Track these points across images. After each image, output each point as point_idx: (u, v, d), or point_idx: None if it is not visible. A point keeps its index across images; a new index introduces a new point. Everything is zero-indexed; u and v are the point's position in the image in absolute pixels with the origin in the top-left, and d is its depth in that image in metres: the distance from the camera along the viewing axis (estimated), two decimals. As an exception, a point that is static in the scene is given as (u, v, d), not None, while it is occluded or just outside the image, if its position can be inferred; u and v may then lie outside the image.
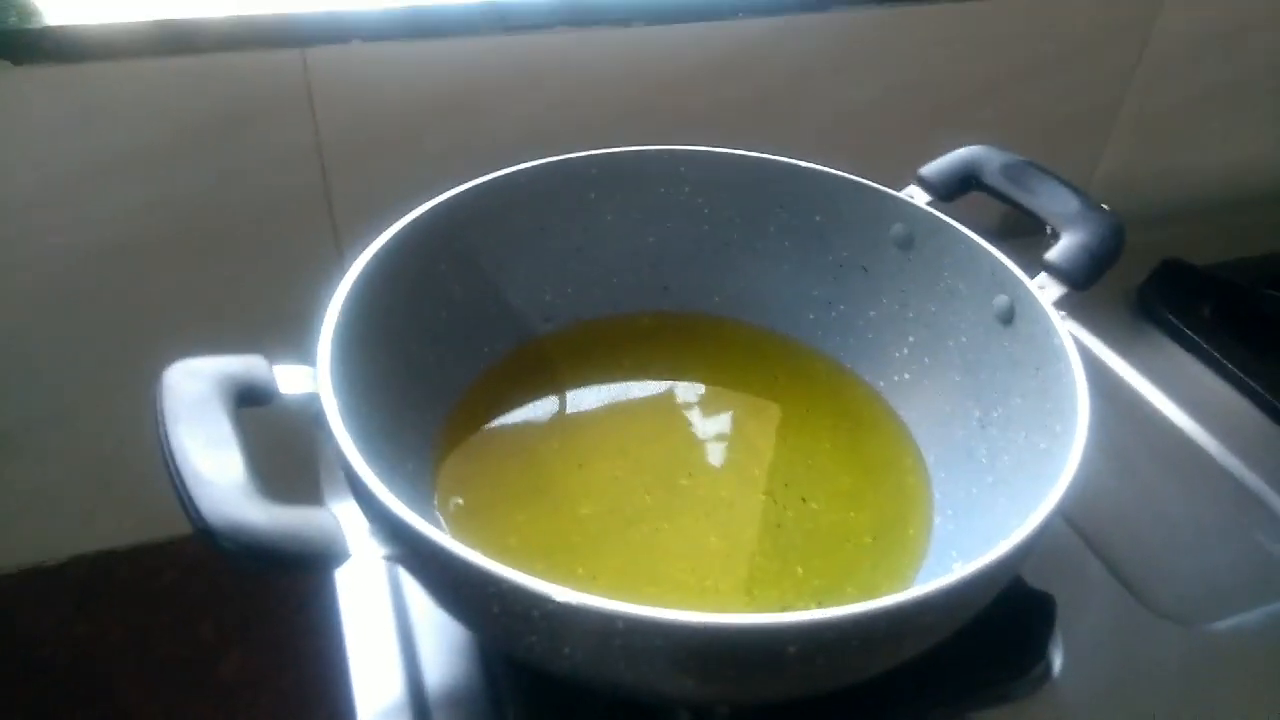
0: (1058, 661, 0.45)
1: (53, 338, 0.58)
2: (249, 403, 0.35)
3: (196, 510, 0.29)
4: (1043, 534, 0.34)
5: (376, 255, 0.43)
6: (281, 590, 0.69)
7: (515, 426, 0.49)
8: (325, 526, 0.30)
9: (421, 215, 0.46)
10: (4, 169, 0.51)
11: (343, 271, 0.42)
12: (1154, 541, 0.51)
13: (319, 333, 0.39)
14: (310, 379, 0.38)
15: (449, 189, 0.47)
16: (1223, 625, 0.47)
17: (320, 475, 0.51)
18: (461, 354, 0.50)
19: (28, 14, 0.49)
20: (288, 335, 0.59)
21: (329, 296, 0.40)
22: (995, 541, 0.32)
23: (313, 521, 0.30)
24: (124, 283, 0.57)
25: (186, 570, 0.69)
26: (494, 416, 0.49)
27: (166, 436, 0.31)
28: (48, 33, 0.49)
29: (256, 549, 0.29)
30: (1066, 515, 0.52)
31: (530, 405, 0.50)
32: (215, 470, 0.30)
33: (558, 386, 0.51)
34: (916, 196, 0.50)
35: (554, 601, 0.28)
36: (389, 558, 0.32)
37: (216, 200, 0.56)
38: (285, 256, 0.59)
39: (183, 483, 0.30)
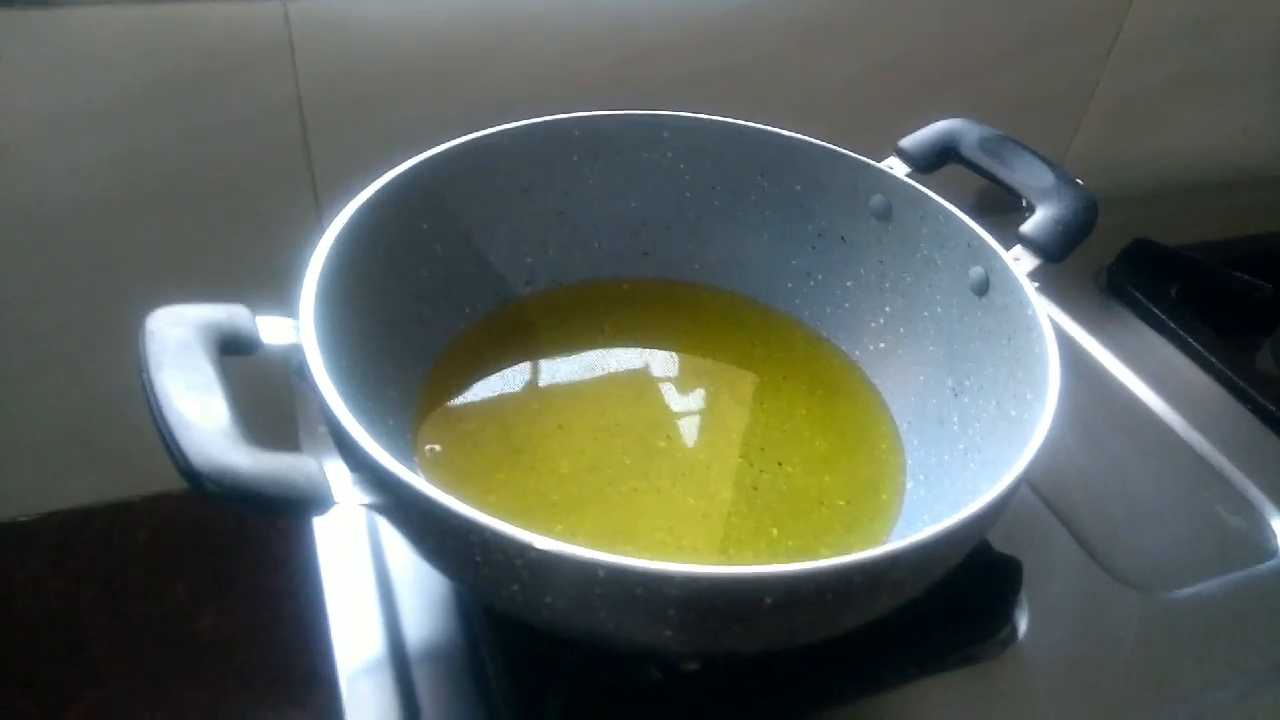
0: (1023, 625, 0.46)
1: (28, 290, 0.57)
2: (232, 351, 0.35)
3: (182, 453, 0.29)
4: (1012, 495, 0.35)
5: (359, 210, 0.43)
6: (256, 552, 0.69)
7: (495, 386, 0.49)
8: (310, 473, 0.30)
9: (404, 172, 0.46)
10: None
11: (321, 226, 0.42)
12: (1118, 512, 0.52)
13: (300, 285, 0.38)
14: (293, 330, 0.38)
15: (429, 147, 0.47)
16: (1183, 593, 0.48)
17: (298, 430, 0.51)
18: (442, 312, 0.50)
19: (4, -43, 0.49)
20: (265, 288, 0.59)
21: (307, 250, 0.40)
22: (966, 505, 0.33)
23: (298, 467, 0.30)
24: (101, 233, 0.57)
25: (159, 529, 0.69)
26: (475, 376, 0.49)
27: (150, 381, 0.31)
28: (25, -23, 0.48)
29: (242, 492, 0.29)
30: (1034, 485, 0.53)
31: (510, 366, 0.51)
32: (200, 415, 0.30)
33: (538, 349, 0.52)
34: (896, 168, 0.50)
35: (536, 549, 0.29)
36: (371, 506, 0.33)
37: (195, 151, 0.55)
38: (263, 210, 0.59)
39: (167, 426, 0.30)
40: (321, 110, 0.56)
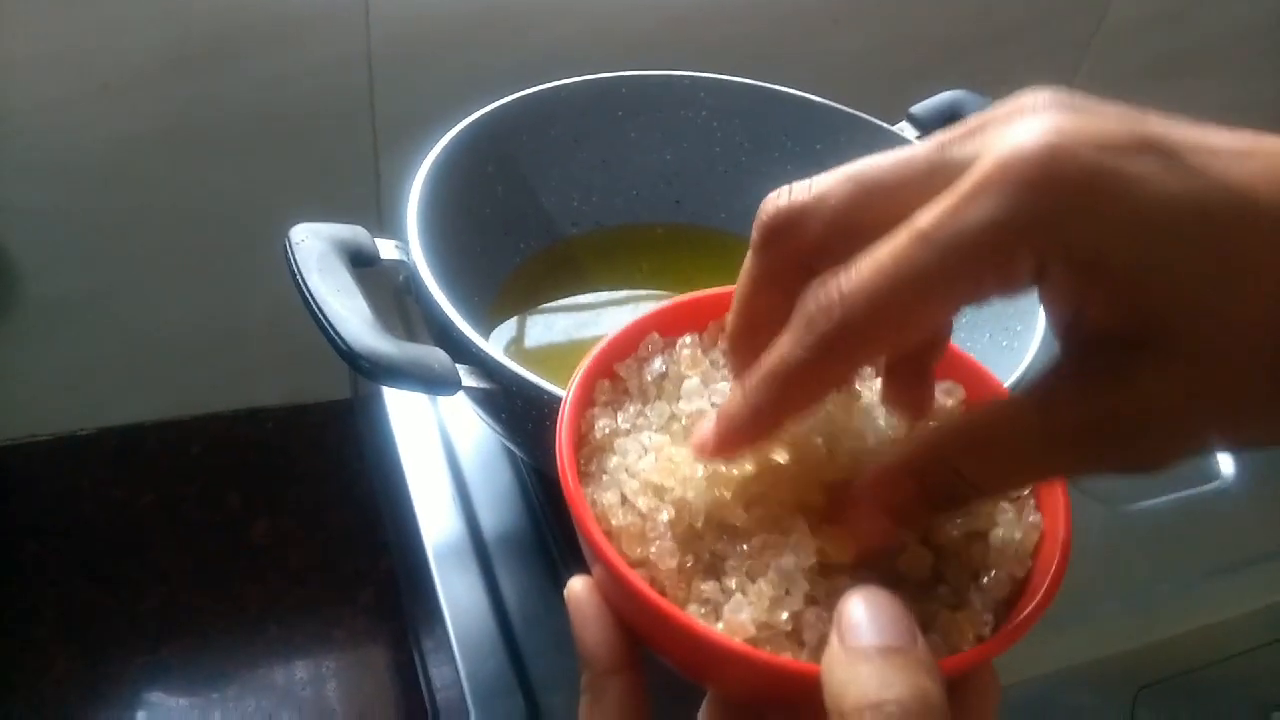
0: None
1: (116, 218, 0.63)
2: (357, 264, 0.41)
3: (342, 339, 0.35)
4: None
5: (443, 151, 0.49)
6: (302, 466, 0.75)
7: (546, 314, 0.56)
8: (442, 360, 0.37)
9: (479, 118, 0.51)
10: (84, 55, 0.55)
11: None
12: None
13: (402, 213, 0.45)
14: (395, 250, 0.44)
15: (483, 99, 0.52)
16: (1138, 506, 0.57)
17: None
18: (502, 246, 0.56)
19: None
20: (326, 218, 0.65)
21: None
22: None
23: (433, 354, 0.37)
24: (183, 166, 0.62)
25: (210, 446, 0.74)
26: (531, 304, 0.56)
27: (305, 283, 0.37)
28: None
29: (391, 370, 0.35)
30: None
31: (562, 298, 0.57)
32: (348, 310, 0.37)
33: (584, 284, 0.58)
34: (907, 131, 0.57)
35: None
36: (472, 391, 0.39)
37: (271, 96, 0.61)
38: (326, 149, 0.64)
39: (326, 319, 0.36)
40: (388, 63, 0.62)
